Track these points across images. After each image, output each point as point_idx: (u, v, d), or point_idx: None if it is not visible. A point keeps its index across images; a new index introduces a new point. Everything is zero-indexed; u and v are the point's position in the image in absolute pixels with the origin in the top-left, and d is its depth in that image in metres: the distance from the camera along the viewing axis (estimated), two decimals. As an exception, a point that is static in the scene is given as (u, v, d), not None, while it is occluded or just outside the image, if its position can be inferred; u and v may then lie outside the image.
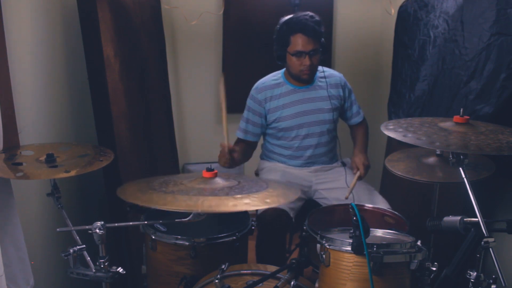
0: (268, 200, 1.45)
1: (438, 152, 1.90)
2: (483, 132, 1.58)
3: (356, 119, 2.40)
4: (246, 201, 1.41)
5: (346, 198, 2.11)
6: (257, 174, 2.44)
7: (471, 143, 1.46)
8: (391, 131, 1.62)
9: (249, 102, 2.30)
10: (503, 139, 1.51)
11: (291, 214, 2.10)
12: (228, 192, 1.46)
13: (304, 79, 2.22)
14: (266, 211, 2.04)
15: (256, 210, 2.08)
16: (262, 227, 2.07)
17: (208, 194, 1.44)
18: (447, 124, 1.64)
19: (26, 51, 1.93)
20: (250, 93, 2.31)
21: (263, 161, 2.43)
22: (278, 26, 2.20)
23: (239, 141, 2.32)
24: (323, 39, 2.19)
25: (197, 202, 1.38)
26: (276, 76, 2.31)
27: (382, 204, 2.13)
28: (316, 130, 2.27)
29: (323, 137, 2.29)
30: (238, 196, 1.44)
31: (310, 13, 2.16)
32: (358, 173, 2.17)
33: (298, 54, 2.14)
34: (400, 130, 1.62)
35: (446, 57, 2.23)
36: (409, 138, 1.53)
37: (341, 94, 2.31)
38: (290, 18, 2.16)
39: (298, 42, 2.12)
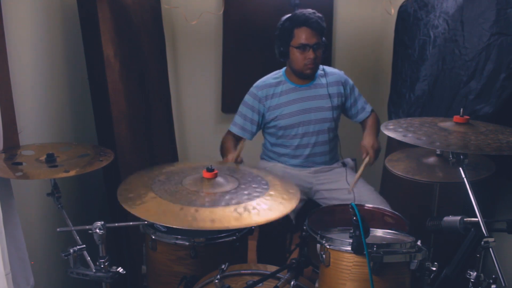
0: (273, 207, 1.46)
1: (438, 152, 1.90)
2: (483, 132, 1.58)
3: (363, 115, 2.36)
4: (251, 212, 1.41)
5: (351, 188, 2.05)
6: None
7: (471, 143, 1.46)
8: (391, 131, 1.62)
9: (247, 98, 2.29)
10: (503, 139, 1.51)
11: (291, 216, 2.10)
12: (231, 200, 1.46)
13: (307, 74, 2.22)
14: None
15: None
16: (262, 229, 2.07)
17: (209, 205, 1.44)
18: (447, 124, 1.64)
19: (26, 51, 1.93)
20: (249, 90, 2.29)
21: (263, 161, 2.43)
22: (280, 22, 2.21)
23: (231, 135, 2.29)
24: (324, 38, 2.20)
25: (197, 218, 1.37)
26: (277, 74, 2.32)
27: (382, 204, 2.13)
28: (316, 128, 2.27)
29: (323, 136, 2.29)
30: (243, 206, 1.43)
31: (312, 10, 2.18)
32: (367, 159, 2.06)
33: (302, 47, 2.14)
34: (400, 130, 1.62)
35: (446, 57, 2.23)
36: (409, 138, 1.53)
37: (342, 91, 2.31)
38: (293, 14, 2.19)
39: (302, 35, 2.13)
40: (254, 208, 1.43)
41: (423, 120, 1.74)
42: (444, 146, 1.47)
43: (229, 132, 2.33)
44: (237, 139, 2.28)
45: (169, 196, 1.48)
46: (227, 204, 1.43)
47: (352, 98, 2.35)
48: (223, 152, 2.24)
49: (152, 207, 1.42)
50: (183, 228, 1.34)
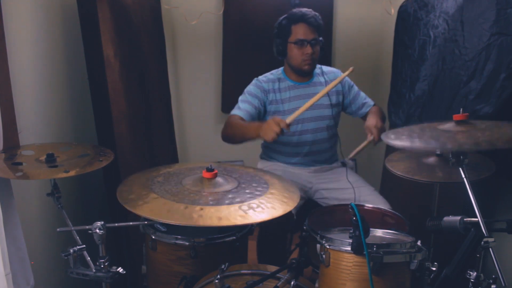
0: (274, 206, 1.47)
1: (438, 152, 1.90)
2: (484, 128, 1.55)
3: (365, 109, 2.35)
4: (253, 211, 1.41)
5: (350, 157, 2.00)
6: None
7: (481, 140, 1.43)
8: (395, 140, 1.57)
9: (252, 89, 2.24)
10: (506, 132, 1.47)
11: (293, 211, 2.10)
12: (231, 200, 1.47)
13: (305, 70, 2.22)
14: None
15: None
16: (263, 228, 2.07)
17: (214, 204, 1.43)
18: (446, 126, 1.62)
19: (26, 51, 1.93)
20: (253, 82, 2.27)
21: (263, 161, 2.43)
22: (277, 22, 2.24)
23: (238, 117, 2.18)
24: (321, 38, 2.20)
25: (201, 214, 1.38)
26: (276, 72, 2.33)
27: (382, 204, 2.13)
28: (315, 125, 2.27)
29: (322, 133, 2.30)
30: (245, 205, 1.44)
31: (309, 9, 2.20)
32: (370, 137, 2.02)
33: (300, 42, 2.15)
34: (404, 137, 1.57)
35: (446, 57, 2.23)
36: (419, 144, 1.48)
37: (340, 88, 2.33)
38: (290, 12, 2.21)
39: (300, 31, 2.15)
40: (258, 206, 1.44)
41: (422, 126, 1.70)
42: (457, 146, 1.42)
43: (233, 116, 2.18)
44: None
45: (172, 196, 1.47)
46: (231, 203, 1.44)
47: (351, 95, 2.36)
48: (238, 130, 2.11)
49: (155, 207, 1.41)
50: (191, 225, 1.33)
